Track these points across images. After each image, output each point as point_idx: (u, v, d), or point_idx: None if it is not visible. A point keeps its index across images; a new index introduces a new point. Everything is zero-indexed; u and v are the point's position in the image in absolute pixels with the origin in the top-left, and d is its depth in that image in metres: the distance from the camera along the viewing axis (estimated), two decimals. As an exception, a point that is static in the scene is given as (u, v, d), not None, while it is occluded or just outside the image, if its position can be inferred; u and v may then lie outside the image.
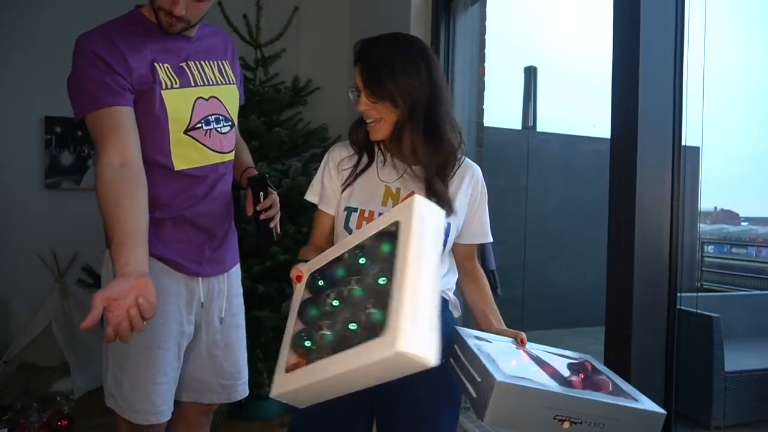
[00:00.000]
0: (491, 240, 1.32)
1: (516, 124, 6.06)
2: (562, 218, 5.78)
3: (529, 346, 1.16)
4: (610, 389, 1.03)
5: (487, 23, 2.52)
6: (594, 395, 0.96)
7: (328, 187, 1.29)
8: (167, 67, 1.34)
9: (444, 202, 1.19)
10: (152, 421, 1.31)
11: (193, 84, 1.38)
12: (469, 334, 1.12)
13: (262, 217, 1.43)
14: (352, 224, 1.22)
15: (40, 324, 3.11)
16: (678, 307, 1.36)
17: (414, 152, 1.20)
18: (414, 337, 0.68)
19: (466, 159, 1.29)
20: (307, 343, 0.86)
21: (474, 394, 0.96)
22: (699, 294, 3.89)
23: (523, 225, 5.43)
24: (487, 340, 1.12)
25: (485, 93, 2.54)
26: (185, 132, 1.36)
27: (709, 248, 5.20)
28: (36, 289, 3.25)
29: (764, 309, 3.60)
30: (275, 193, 1.46)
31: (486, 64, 2.53)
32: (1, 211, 3.37)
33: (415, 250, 0.76)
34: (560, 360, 1.14)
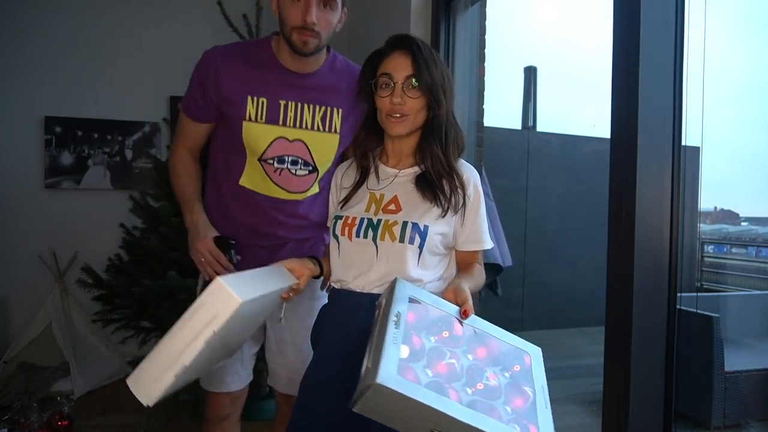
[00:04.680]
0: (489, 246, 1.29)
1: (516, 124, 6.06)
2: (562, 218, 5.78)
3: (477, 322, 1.10)
4: (527, 405, 0.99)
5: (487, 23, 2.51)
6: (478, 420, 0.90)
7: (331, 205, 1.39)
8: (262, 102, 1.43)
9: (442, 197, 1.21)
10: (213, 390, 1.59)
11: (280, 123, 1.45)
12: (404, 296, 1.05)
13: None
14: (338, 231, 1.25)
15: (40, 324, 3.11)
16: (678, 307, 1.35)
17: (432, 151, 1.22)
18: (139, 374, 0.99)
19: (459, 161, 1.29)
20: None
21: (361, 373, 0.94)
22: (699, 294, 3.89)
23: (523, 225, 5.43)
24: (424, 304, 1.06)
25: (485, 93, 2.54)
26: (258, 159, 1.46)
27: (709, 248, 5.20)
28: (36, 289, 3.25)
29: (764, 309, 3.60)
30: (233, 262, 1.44)
31: (486, 64, 2.53)
32: (1, 211, 3.37)
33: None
34: (503, 345, 1.08)
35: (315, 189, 1.53)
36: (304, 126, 1.46)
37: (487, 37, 2.52)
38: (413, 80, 1.18)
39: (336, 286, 1.28)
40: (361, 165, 1.31)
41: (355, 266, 1.23)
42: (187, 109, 1.51)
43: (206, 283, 1.18)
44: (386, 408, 0.91)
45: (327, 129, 1.48)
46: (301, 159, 1.47)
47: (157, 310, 2.45)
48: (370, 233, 1.20)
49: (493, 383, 0.99)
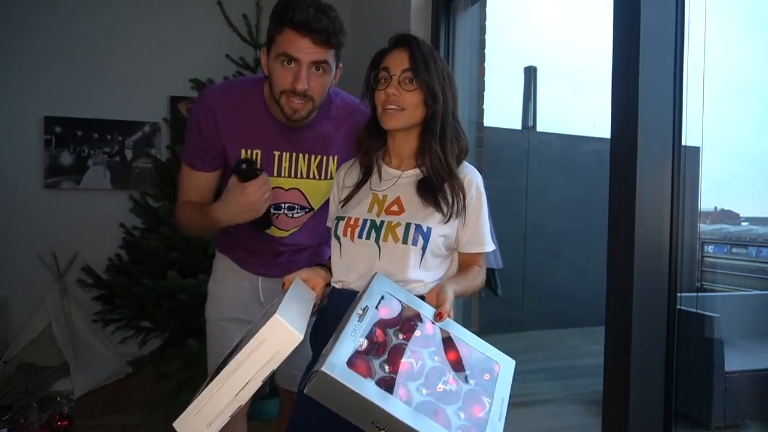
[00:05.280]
0: (490, 249, 1.28)
1: (516, 124, 6.06)
2: (562, 218, 5.77)
3: (453, 327, 1.10)
4: (481, 414, 0.99)
5: (487, 23, 2.52)
6: (419, 422, 0.91)
7: (332, 205, 1.38)
8: (256, 153, 1.40)
9: (443, 201, 1.21)
10: None
11: (276, 174, 1.42)
12: (379, 291, 1.07)
13: None
14: (339, 231, 1.25)
15: (40, 324, 3.11)
16: (678, 307, 1.35)
17: (431, 152, 1.22)
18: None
19: (463, 163, 1.28)
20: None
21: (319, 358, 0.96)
22: (699, 294, 3.88)
23: (523, 225, 5.43)
24: (400, 301, 1.07)
25: (485, 93, 2.54)
26: None
27: (709, 248, 5.20)
28: (36, 289, 3.25)
29: (764, 309, 3.60)
30: (264, 173, 1.35)
31: (486, 64, 2.53)
32: (1, 211, 3.37)
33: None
34: (474, 352, 1.08)
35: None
36: (299, 175, 1.44)
37: (487, 37, 2.52)
38: (410, 73, 1.19)
39: (337, 287, 1.28)
40: (363, 164, 1.31)
41: (356, 267, 1.23)
42: (188, 159, 1.43)
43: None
44: (332, 396, 0.93)
45: (322, 177, 1.46)
46: (297, 204, 1.48)
47: (157, 310, 2.45)
48: (373, 234, 1.20)
49: (452, 388, 1.00)
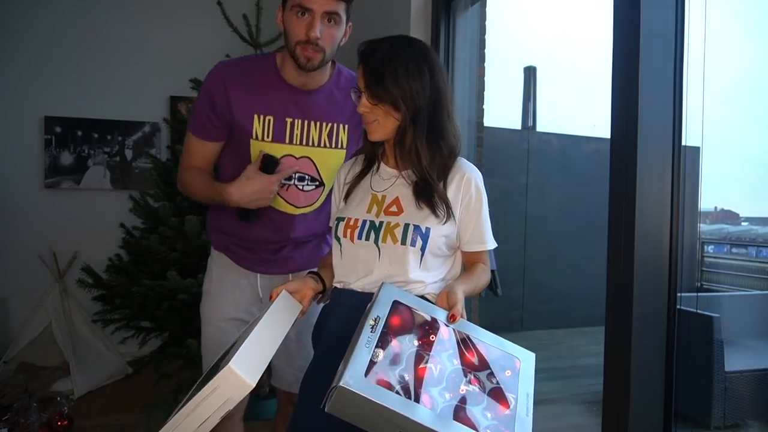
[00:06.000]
0: (491, 247, 1.28)
1: (516, 124, 6.06)
2: (562, 218, 5.78)
3: (468, 327, 1.10)
4: (508, 412, 0.98)
5: (487, 23, 2.51)
6: (446, 426, 0.90)
7: (334, 204, 1.38)
8: (269, 120, 1.44)
9: (439, 202, 1.20)
10: None
11: (287, 141, 1.46)
12: (388, 299, 1.07)
13: None
14: (340, 232, 1.25)
15: (40, 324, 3.12)
16: (678, 307, 1.35)
17: (415, 156, 1.20)
18: None
19: (460, 160, 1.27)
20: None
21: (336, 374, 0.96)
22: (699, 294, 3.88)
23: (523, 225, 5.43)
24: (411, 308, 1.07)
25: (485, 93, 2.54)
26: None
27: (709, 248, 5.19)
28: (36, 289, 3.25)
29: (764, 309, 3.60)
30: (283, 172, 1.46)
31: (486, 64, 2.53)
32: (1, 211, 3.37)
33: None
34: (492, 350, 1.08)
35: (321, 200, 1.56)
36: (311, 143, 1.48)
37: (487, 37, 2.52)
38: (368, 92, 1.19)
39: (338, 286, 1.28)
40: (367, 155, 1.32)
41: (357, 268, 1.23)
42: (195, 129, 1.49)
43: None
44: (354, 410, 0.92)
45: (333, 145, 1.50)
46: (308, 175, 1.50)
47: (157, 310, 2.45)
48: (372, 235, 1.21)
49: (475, 389, 0.99)
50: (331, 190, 1.51)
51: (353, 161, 1.37)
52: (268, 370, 1.68)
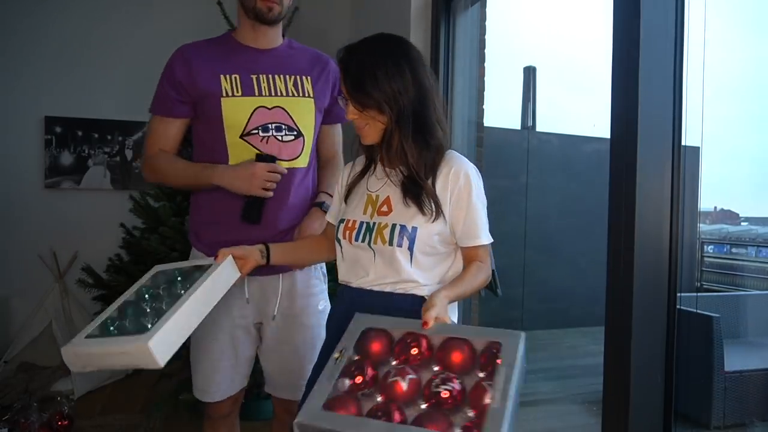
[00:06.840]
0: (484, 242, 1.22)
1: (515, 123, 6.06)
2: (562, 218, 5.78)
3: (448, 329, 1.07)
4: (493, 404, 0.93)
5: (487, 23, 2.51)
6: None
7: (336, 204, 1.40)
8: (235, 78, 1.49)
9: (426, 200, 1.19)
10: (204, 399, 1.58)
11: (257, 93, 1.50)
12: (356, 330, 1.11)
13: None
14: (340, 234, 1.27)
15: (40, 324, 3.12)
16: (678, 307, 1.35)
17: (402, 155, 1.21)
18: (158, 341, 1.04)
19: (449, 153, 1.24)
20: (111, 328, 1.18)
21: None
22: (699, 294, 3.89)
23: (523, 225, 5.43)
24: (387, 329, 1.09)
25: (485, 93, 2.54)
26: (241, 136, 1.49)
27: (709, 248, 5.20)
28: (36, 288, 3.25)
29: (764, 309, 3.60)
30: (279, 165, 1.49)
31: (486, 64, 2.53)
32: (1, 211, 3.37)
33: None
34: (477, 343, 1.04)
35: (305, 160, 1.56)
36: (279, 93, 1.53)
37: (487, 37, 2.52)
38: (352, 100, 1.20)
39: (342, 284, 1.32)
40: (367, 154, 1.33)
41: (356, 270, 1.26)
42: (159, 108, 1.53)
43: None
44: None
45: (301, 94, 1.56)
46: (284, 125, 1.52)
47: (157, 310, 2.45)
48: (367, 237, 1.22)
49: (456, 388, 0.97)
50: (311, 152, 1.59)
51: (354, 161, 1.38)
52: (262, 378, 1.68)
